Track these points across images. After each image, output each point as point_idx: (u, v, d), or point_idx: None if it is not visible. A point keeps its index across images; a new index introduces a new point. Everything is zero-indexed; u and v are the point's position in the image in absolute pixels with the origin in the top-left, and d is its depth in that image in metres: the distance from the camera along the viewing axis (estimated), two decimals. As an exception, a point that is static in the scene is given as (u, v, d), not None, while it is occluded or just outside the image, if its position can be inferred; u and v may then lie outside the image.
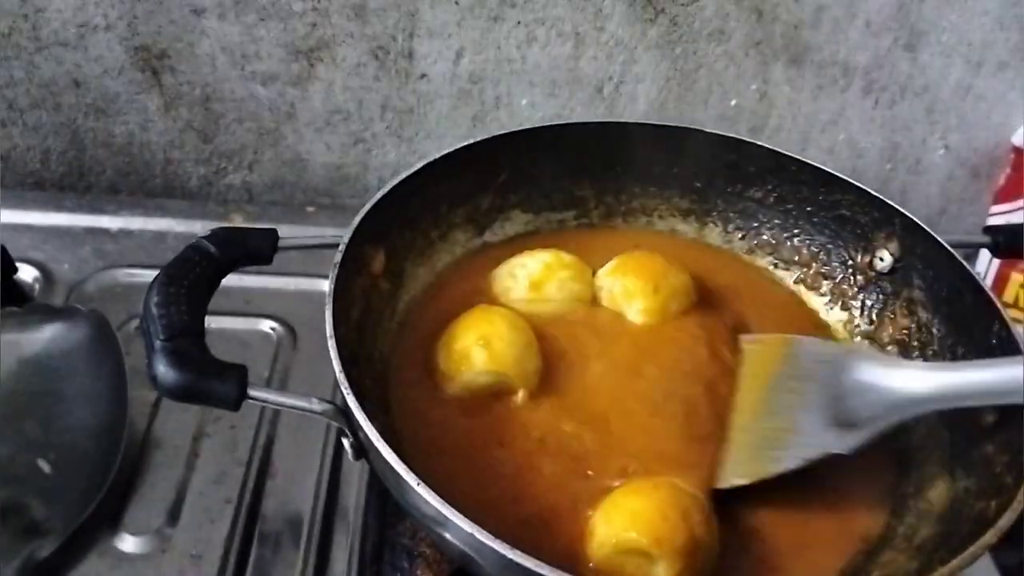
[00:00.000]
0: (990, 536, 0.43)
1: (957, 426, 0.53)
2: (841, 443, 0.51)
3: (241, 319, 0.71)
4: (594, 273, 0.63)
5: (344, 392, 0.45)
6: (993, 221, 0.91)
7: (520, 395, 0.54)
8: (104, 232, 0.79)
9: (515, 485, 0.50)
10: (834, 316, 0.65)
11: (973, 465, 0.51)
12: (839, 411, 0.52)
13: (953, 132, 0.88)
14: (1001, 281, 0.86)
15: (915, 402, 0.51)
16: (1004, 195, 0.89)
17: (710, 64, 0.82)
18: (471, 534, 0.40)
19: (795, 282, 0.67)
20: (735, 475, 0.52)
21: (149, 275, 0.73)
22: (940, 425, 0.55)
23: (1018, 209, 0.87)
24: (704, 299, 0.63)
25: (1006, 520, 0.44)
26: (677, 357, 0.58)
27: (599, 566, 0.47)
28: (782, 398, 0.54)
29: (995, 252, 0.63)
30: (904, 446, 0.56)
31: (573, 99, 0.83)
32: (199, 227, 0.80)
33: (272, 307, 0.73)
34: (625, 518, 0.47)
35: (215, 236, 0.52)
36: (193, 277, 0.49)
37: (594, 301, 0.62)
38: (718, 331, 0.60)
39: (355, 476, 0.61)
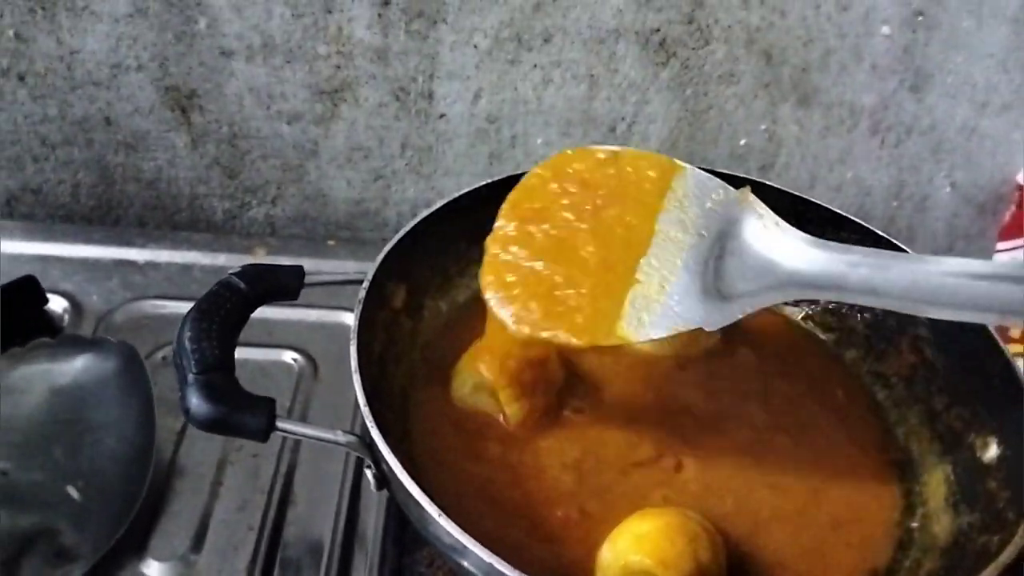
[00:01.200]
0: (992, 571, 0.44)
1: (960, 461, 0.55)
2: (710, 317, 0.47)
3: (264, 350, 0.73)
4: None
5: (368, 425, 0.47)
6: (998, 257, 0.92)
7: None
8: (132, 264, 0.81)
9: (528, 510, 0.52)
10: (842, 354, 0.66)
11: (976, 500, 0.52)
12: (717, 273, 0.48)
13: (959, 170, 0.89)
14: (1007, 317, 0.87)
15: (795, 282, 0.47)
16: (1009, 232, 0.91)
17: (720, 105, 0.85)
18: (491, 564, 0.41)
19: (803, 319, 0.68)
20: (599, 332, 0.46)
21: (175, 306, 0.78)
22: (944, 460, 0.56)
23: (1023, 246, 0.89)
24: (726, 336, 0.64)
25: (1007, 555, 0.45)
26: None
27: None
28: (665, 243, 0.49)
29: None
30: (909, 480, 0.57)
31: (587, 138, 0.85)
32: (223, 259, 0.82)
33: (294, 338, 0.74)
34: (631, 541, 0.48)
35: (244, 273, 0.54)
36: (224, 312, 0.51)
37: None
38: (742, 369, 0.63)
39: (374, 504, 0.63)
